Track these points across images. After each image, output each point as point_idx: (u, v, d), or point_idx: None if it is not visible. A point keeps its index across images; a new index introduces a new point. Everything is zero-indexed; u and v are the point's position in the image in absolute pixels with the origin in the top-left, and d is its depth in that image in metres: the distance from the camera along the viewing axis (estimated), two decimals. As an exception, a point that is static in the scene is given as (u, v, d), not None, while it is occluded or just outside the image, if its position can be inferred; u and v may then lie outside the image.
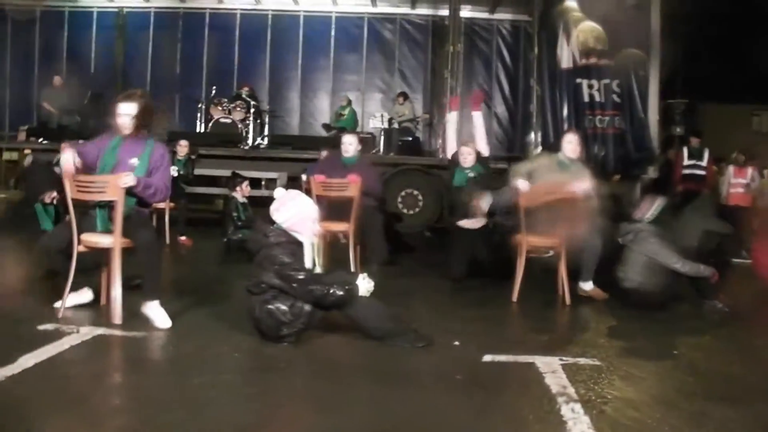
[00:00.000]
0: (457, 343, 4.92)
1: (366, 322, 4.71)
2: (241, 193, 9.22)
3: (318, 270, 4.86)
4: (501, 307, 6.33)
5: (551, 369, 4.33)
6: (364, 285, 4.75)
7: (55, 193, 6.95)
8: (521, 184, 6.46)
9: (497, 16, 15.43)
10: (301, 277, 4.58)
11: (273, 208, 4.84)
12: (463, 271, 7.30)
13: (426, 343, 4.78)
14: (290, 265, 4.59)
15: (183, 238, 9.57)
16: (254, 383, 4.01)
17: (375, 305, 4.77)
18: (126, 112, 5.29)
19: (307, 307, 4.61)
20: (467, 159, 7.63)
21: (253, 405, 3.68)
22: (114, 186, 4.97)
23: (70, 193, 5.01)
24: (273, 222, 4.80)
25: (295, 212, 4.79)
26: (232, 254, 8.56)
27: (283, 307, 4.58)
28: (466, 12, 14.25)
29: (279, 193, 4.91)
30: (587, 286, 6.73)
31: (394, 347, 4.66)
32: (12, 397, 3.58)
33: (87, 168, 5.17)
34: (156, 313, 5.06)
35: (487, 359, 4.56)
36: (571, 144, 6.83)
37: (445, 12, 14.12)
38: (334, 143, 11.80)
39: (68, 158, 5.02)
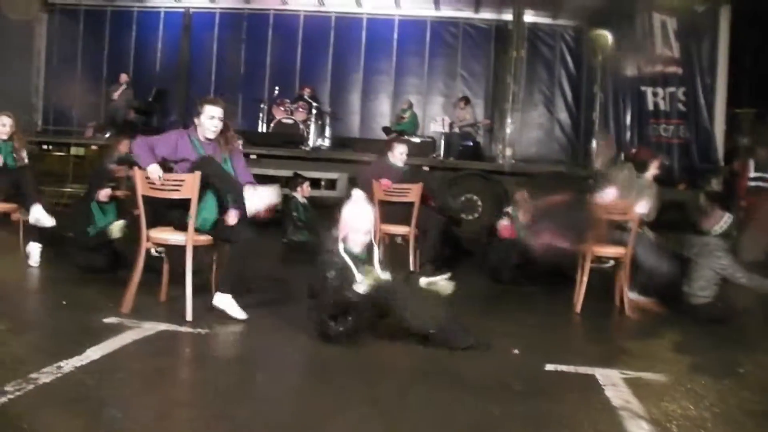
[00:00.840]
0: (516, 351, 4.88)
1: (415, 318, 4.66)
2: (302, 193, 9.27)
3: (376, 273, 4.83)
4: (560, 316, 6.27)
5: (612, 382, 4.27)
6: (447, 285, 4.76)
7: (109, 190, 7.05)
8: (611, 193, 6.39)
9: (560, 21, 15.26)
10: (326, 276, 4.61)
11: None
12: (510, 277, 7.29)
13: (477, 344, 4.76)
14: (325, 269, 4.65)
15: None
16: (314, 383, 4.04)
17: (426, 304, 4.74)
18: (218, 115, 5.38)
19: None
20: None
21: (314, 404, 3.71)
22: (190, 185, 5.04)
23: (141, 190, 5.08)
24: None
25: (344, 223, 4.83)
26: (292, 255, 8.61)
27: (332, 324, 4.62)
28: (529, 17, 14.12)
29: (357, 193, 4.93)
30: (633, 294, 6.62)
31: (453, 353, 4.64)
32: (81, 387, 3.66)
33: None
34: (229, 305, 5.17)
35: (548, 368, 4.51)
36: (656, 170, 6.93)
37: (508, 17, 14.03)
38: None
39: (155, 170, 5.10)
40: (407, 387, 4.02)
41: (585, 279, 6.38)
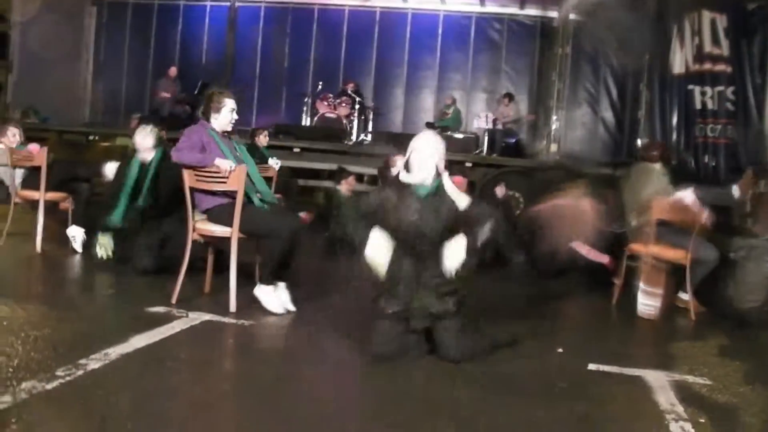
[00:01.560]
0: (560, 350, 4.84)
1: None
2: (347, 187, 9.29)
3: None
4: (600, 315, 6.23)
5: (659, 384, 4.21)
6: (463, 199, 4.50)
7: None
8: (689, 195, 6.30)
9: (608, 17, 15.06)
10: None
11: None
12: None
13: (507, 342, 4.72)
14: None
15: (303, 214, 9.62)
16: (356, 377, 4.04)
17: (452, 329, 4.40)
18: (236, 107, 5.43)
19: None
20: None
21: (354, 399, 3.73)
22: (237, 177, 5.08)
23: (188, 182, 5.13)
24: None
25: (410, 147, 4.49)
26: (335, 248, 8.61)
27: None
28: (574, 14, 13.96)
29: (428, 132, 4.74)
30: (686, 296, 6.53)
31: (498, 352, 4.59)
32: (125, 375, 3.72)
33: None
34: (269, 297, 5.21)
35: (592, 368, 4.47)
36: None
37: (554, 13, 13.91)
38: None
39: (226, 162, 5.16)
40: (450, 388, 3.98)
41: (621, 277, 6.34)
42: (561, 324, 5.78)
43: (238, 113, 5.54)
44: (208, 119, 5.44)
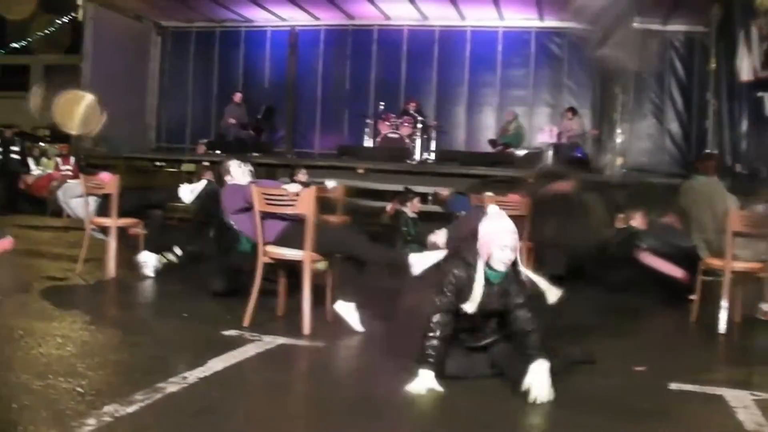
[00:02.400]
0: (640, 368, 4.71)
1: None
2: (412, 208, 9.30)
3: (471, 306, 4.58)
4: (677, 331, 6.07)
5: (743, 404, 4.03)
6: (553, 291, 4.54)
7: None
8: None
9: (670, 28, 14.78)
10: (433, 318, 4.20)
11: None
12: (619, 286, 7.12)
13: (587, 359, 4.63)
14: (439, 300, 4.25)
15: None
16: (429, 400, 3.98)
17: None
18: None
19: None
20: None
21: (428, 421, 3.68)
22: (306, 199, 5.12)
23: (258, 206, 5.18)
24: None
25: (484, 233, 4.36)
26: (402, 269, 8.58)
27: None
28: (637, 24, 13.71)
29: (493, 209, 4.67)
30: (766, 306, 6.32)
31: (573, 369, 4.48)
32: (206, 399, 3.74)
33: None
34: (351, 314, 5.23)
35: (672, 387, 4.33)
36: None
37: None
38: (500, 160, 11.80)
39: (295, 186, 5.24)
40: (522, 406, 3.89)
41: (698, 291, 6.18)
42: (638, 341, 5.62)
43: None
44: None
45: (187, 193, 7.19)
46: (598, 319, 6.34)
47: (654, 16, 14.21)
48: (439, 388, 3.99)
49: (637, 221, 7.77)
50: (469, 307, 4.19)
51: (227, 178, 6.33)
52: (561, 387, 4.17)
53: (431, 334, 4.11)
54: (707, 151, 11.35)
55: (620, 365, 4.74)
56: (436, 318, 4.15)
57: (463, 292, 4.20)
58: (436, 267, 4.72)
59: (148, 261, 7.26)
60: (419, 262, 5.03)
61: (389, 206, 9.72)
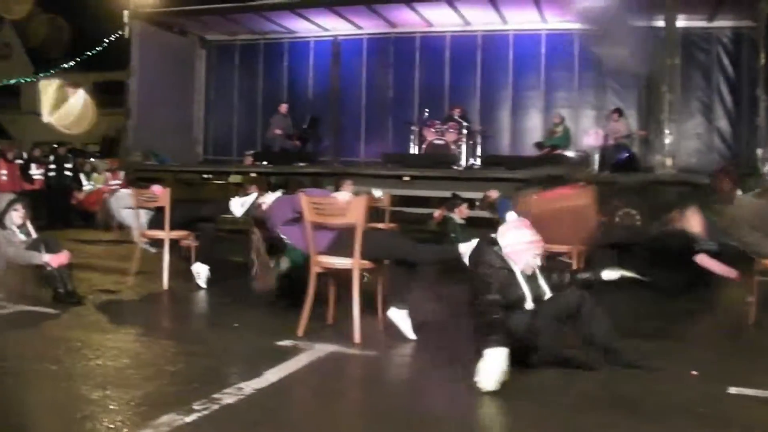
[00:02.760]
0: (695, 372, 4.62)
1: (593, 336, 4.53)
2: (459, 214, 9.28)
3: (529, 303, 4.64)
4: (733, 334, 5.92)
5: (806, 409, 3.95)
6: (611, 274, 4.67)
7: None
8: None
9: (716, 24, 14.50)
10: (487, 298, 4.36)
11: (500, 230, 4.75)
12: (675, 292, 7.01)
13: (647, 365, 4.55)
14: (488, 285, 4.40)
15: None
16: (479, 407, 3.95)
17: (605, 319, 4.56)
18: None
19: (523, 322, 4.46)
20: None
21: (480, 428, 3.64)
22: (356, 208, 5.13)
23: (308, 216, 5.20)
24: (496, 242, 4.71)
25: (516, 241, 4.62)
26: (450, 275, 8.56)
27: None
28: (682, 22, 13.48)
29: (511, 216, 4.80)
30: None
31: (627, 373, 4.43)
32: (263, 409, 3.77)
33: None
34: (404, 322, 5.22)
35: (732, 392, 4.23)
36: None
37: (660, 23, 13.54)
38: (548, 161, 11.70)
39: (345, 195, 5.27)
40: (576, 413, 3.83)
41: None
42: (693, 344, 5.52)
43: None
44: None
45: (238, 206, 7.26)
46: (653, 323, 6.23)
47: (700, 13, 14.01)
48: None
49: (692, 223, 7.64)
50: (528, 304, 4.50)
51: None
52: (612, 391, 4.13)
53: (490, 314, 4.25)
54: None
55: (676, 369, 4.64)
56: (490, 297, 4.31)
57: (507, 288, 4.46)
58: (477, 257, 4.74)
59: (201, 272, 7.35)
60: (470, 250, 5.02)
61: (437, 213, 9.74)
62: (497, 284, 4.40)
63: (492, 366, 4.01)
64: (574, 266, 7.00)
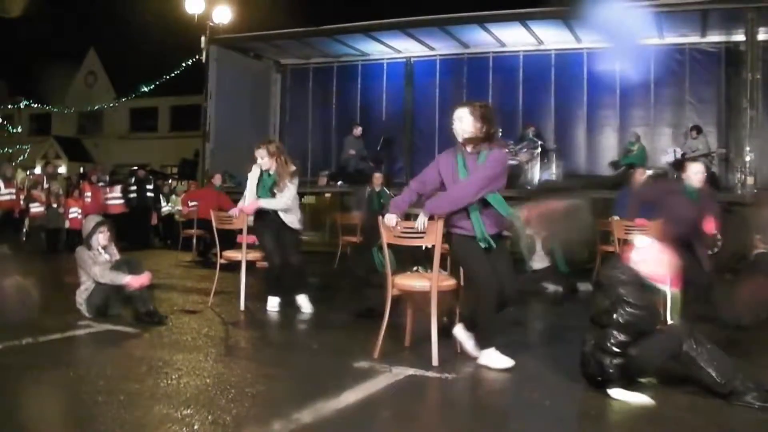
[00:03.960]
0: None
1: (709, 375, 4.28)
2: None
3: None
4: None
5: None
6: None
7: None
8: None
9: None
10: (621, 339, 4.32)
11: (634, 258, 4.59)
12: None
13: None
14: (627, 326, 4.32)
15: None
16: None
17: (721, 355, 4.34)
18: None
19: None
20: None
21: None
22: (434, 231, 5.13)
23: (386, 238, 5.22)
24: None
25: (653, 261, 4.53)
26: (526, 295, 8.47)
27: (609, 361, 4.33)
28: (763, 35, 13.12)
29: (642, 242, 4.65)
30: None
31: (739, 407, 4.22)
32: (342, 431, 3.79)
33: None
34: (494, 359, 5.10)
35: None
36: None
37: (739, 37, 13.22)
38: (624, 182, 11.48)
39: (391, 218, 5.25)
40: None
41: None
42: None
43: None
44: None
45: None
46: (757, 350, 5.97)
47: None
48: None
49: None
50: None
51: None
52: (710, 423, 3.99)
53: (618, 354, 4.31)
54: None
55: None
56: (621, 337, 4.33)
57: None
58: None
59: (271, 302, 7.42)
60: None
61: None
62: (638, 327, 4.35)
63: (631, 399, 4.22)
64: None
